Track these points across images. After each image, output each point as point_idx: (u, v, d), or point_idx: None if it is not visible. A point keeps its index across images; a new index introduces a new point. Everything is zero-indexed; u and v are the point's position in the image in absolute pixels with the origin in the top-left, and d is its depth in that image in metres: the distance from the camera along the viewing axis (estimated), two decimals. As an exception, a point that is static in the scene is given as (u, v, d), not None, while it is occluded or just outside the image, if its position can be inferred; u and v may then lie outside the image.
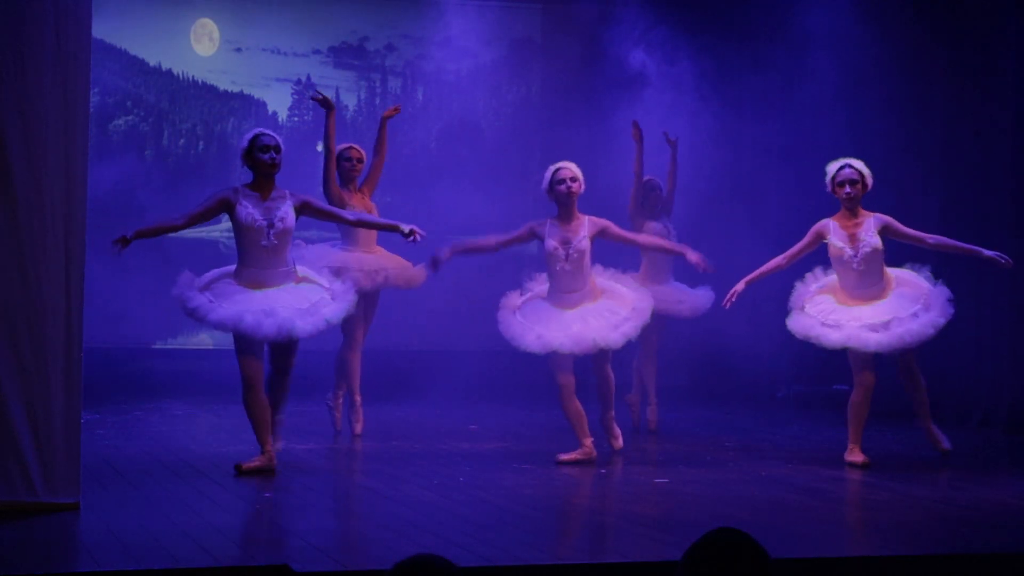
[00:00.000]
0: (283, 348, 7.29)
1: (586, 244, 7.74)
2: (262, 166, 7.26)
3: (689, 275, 9.26)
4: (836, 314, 7.75)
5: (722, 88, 11.27)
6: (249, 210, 7.20)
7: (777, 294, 8.69)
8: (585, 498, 7.01)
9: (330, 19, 12.89)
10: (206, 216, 7.37)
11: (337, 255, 8.86)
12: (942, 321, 7.70)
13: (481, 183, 12.55)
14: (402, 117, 13.03)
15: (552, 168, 7.88)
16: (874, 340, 7.62)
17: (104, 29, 11.54)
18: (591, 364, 7.92)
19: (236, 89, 12.60)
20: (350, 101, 12.91)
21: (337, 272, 8.63)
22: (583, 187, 7.82)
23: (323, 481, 7.37)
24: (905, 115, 10.46)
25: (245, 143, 7.32)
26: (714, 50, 11.36)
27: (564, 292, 7.78)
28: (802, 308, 7.91)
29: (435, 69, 13.05)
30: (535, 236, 7.88)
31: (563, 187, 7.78)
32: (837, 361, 8.23)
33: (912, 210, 10.22)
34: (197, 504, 6.27)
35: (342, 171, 9.02)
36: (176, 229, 7.38)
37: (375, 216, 8.46)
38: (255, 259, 7.23)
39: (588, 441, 7.79)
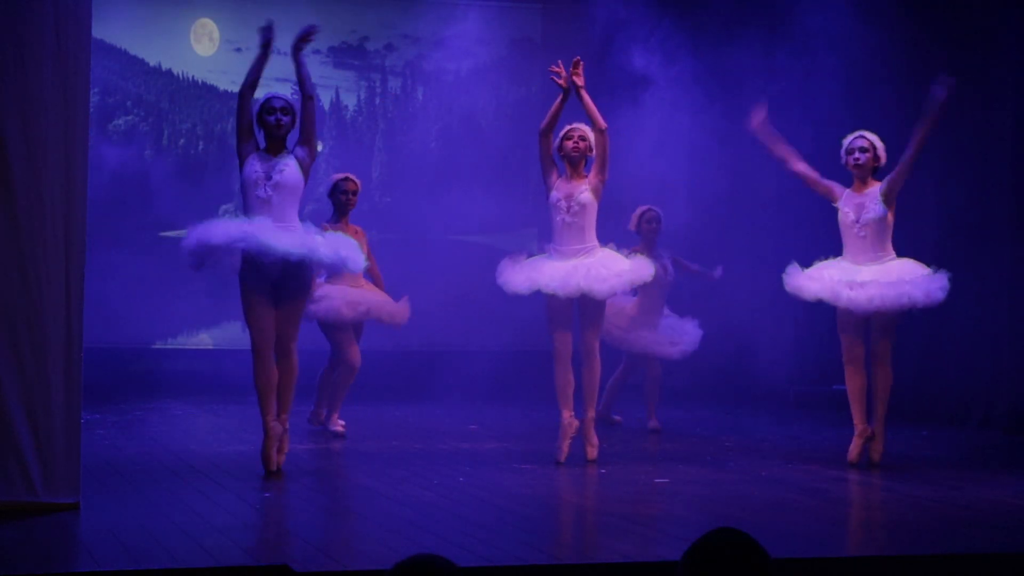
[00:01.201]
0: (284, 320, 7.23)
1: (587, 197, 7.78)
2: (268, 128, 7.30)
3: (679, 305, 9.36)
4: (822, 269, 7.89)
5: (723, 88, 11.26)
6: (253, 163, 7.25)
7: (776, 296, 8.69)
8: (585, 498, 7.01)
9: (330, 19, 12.88)
10: (247, 126, 7.31)
11: (322, 285, 8.85)
12: (920, 298, 7.72)
13: (481, 183, 12.56)
14: (402, 117, 13.08)
15: (565, 127, 7.92)
16: (846, 296, 7.74)
17: (104, 29, 11.54)
18: (580, 337, 7.85)
19: (236, 89, 12.52)
20: (350, 101, 12.92)
21: (318, 300, 8.67)
22: (593, 149, 7.83)
23: (323, 481, 7.37)
24: (905, 116, 10.45)
25: (256, 107, 7.36)
26: (716, 50, 11.36)
27: (563, 245, 7.82)
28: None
29: (435, 69, 13.05)
30: (549, 181, 7.89)
31: (570, 143, 7.85)
32: (837, 361, 8.23)
33: (912, 209, 10.23)
34: (197, 504, 6.27)
35: (337, 203, 8.91)
36: (254, 76, 7.45)
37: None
38: (253, 212, 7.19)
39: (567, 413, 7.78)
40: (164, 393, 10.99)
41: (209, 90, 12.58)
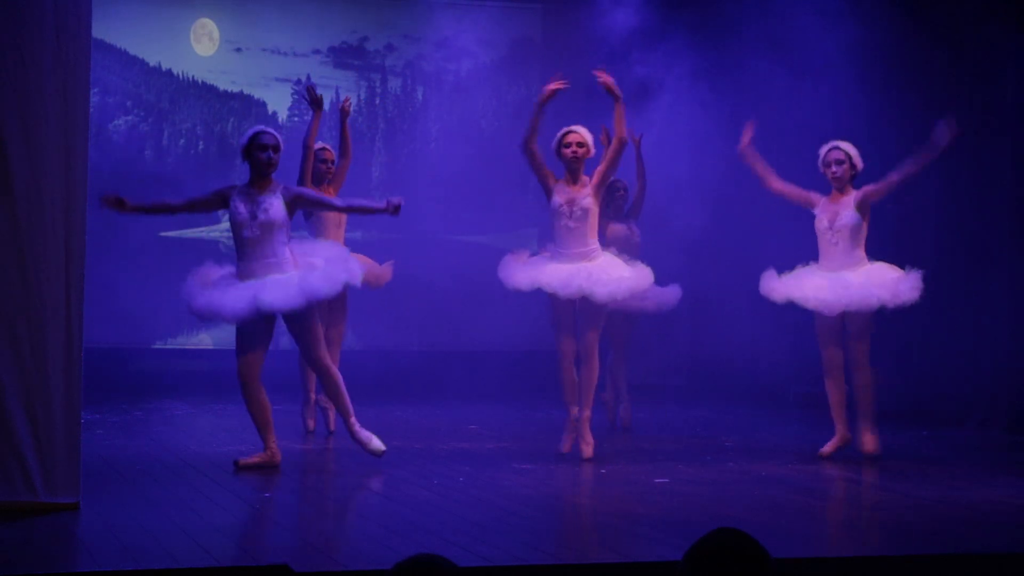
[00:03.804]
0: (300, 339, 7.32)
1: (590, 203, 7.80)
2: (259, 165, 7.36)
3: (659, 273, 9.28)
4: (794, 275, 8.11)
5: (723, 89, 11.26)
6: (237, 204, 7.32)
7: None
8: (585, 498, 7.01)
9: (330, 19, 12.90)
10: (204, 204, 7.51)
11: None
12: (887, 298, 7.88)
13: (481, 183, 12.56)
14: (402, 117, 13.07)
15: (562, 131, 7.92)
16: (813, 297, 7.96)
17: (104, 29, 11.54)
18: (578, 337, 7.86)
19: (236, 89, 12.60)
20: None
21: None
22: (591, 152, 7.88)
23: (323, 481, 7.37)
24: (907, 115, 10.46)
25: (245, 140, 7.43)
26: (716, 51, 11.36)
27: (565, 248, 7.84)
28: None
29: (435, 69, 13.06)
30: (547, 188, 7.91)
31: (568, 151, 7.87)
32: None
33: (912, 209, 10.23)
34: (197, 504, 6.27)
35: (316, 172, 9.01)
36: (174, 210, 7.60)
37: (360, 201, 8.33)
38: (243, 251, 7.36)
39: (574, 410, 7.85)
40: (164, 393, 10.99)
41: (209, 90, 12.58)
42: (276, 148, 7.38)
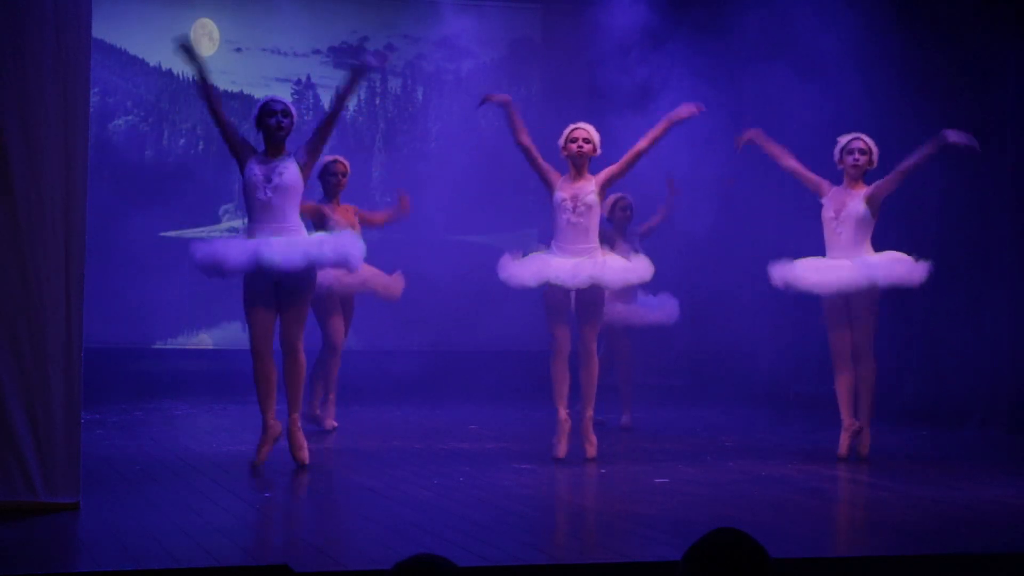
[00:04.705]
0: (286, 317, 7.29)
1: (593, 199, 7.80)
2: (269, 130, 7.35)
3: (659, 274, 9.33)
4: (798, 262, 8.10)
5: (723, 89, 11.26)
6: (253, 166, 7.31)
7: (776, 296, 8.71)
8: (585, 498, 7.01)
9: (330, 19, 12.90)
10: (230, 134, 7.35)
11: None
12: (881, 278, 7.86)
13: (481, 183, 12.56)
14: (402, 117, 13.07)
15: (570, 127, 7.91)
16: (812, 279, 7.97)
17: (104, 29, 11.54)
18: (578, 334, 7.86)
19: (236, 89, 12.60)
20: (350, 101, 12.88)
21: None
22: (597, 150, 7.87)
23: (323, 481, 7.37)
24: (907, 115, 10.46)
25: (256, 110, 7.43)
26: (716, 51, 11.35)
27: (568, 245, 7.82)
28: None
29: (435, 69, 13.06)
30: (549, 182, 7.89)
31: (574, 146, 7.85)
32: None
33: (912, 207, 10.23)
34: (197, 504, 6.27)
35: (326, 185, 9.01)
36: (209, 94, 7.29)
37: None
38: (255, 214, 7.31)
39: (563, 412, 7.81)
40: (164, 393, 10.99)
41: (209, 90, 12.57)
42: (285, 113, 7.37)
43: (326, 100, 12.86)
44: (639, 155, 7.85)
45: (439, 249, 12.64)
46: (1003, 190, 9.72)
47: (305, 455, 7.38)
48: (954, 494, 6.93)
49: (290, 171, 7.30)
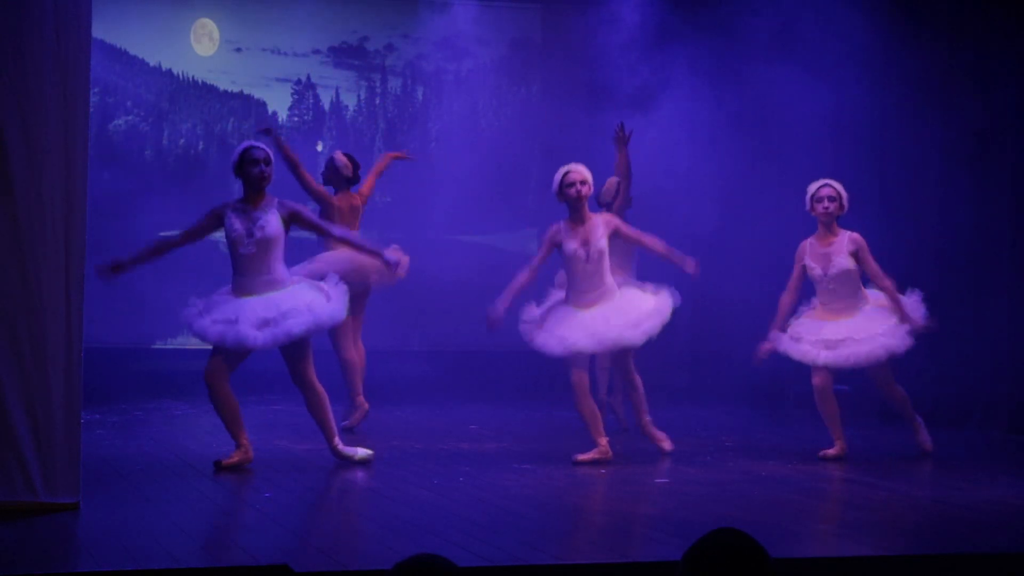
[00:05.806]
0: (289, 358, 7.32)
1: (604, 244, 7.80)
2: (251, 179, 7.32)
3: (655, 272, 9.31)
4: (802, 327, 8.18)
5: (722, 89, 11.26)
6: (233, 220, 7.28)
7: (775, 295, 8.70)
8: (585, 498, 7.01)
9: (330, 19, 12.90)
10: (202, 231, 7.43)
11: (324, 257, 8.93)
12: (894, 346, 8.01)
13: (481, 183, 12.55)
14: (402, 117, 13.07)
15: (561, 172, 7.87)
16: (823, 357, 8.07)
17: (104, 29, 11.54)
18: (613, 365, 8.13)
19: (236, 89, 12.61)
20: (350, 101, 12.91)
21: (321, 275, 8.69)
22: (592, 188, 7.88)
23: (323, 481, 7.37)
24: (908, 115, 10.46)
25: (236, 156, 7.41)
26: (716, 51, 11.35)
27: (584, 292, 7.84)
28: (786, 329, 8.27)
29: (435, 69, 13.06)
30: (556, 245, 7.89)
31: (573, 191, 7.81)
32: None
33: (913, 209, 10.23)
34: (197, 504, 6.27)
35: (337, 181, 9.27)
36: (174, 246, 7.44)
37: (359, 238, 8.30)
38: (239, 267, 7.33)
39: (603, 441, 7.83)
40: (164, 393, 10.99)
41: (209, 90, 12.58)
42: (267, 161, 7.33)
43: (326, 100, 12.89)
44: (644, 246, 7.98)
45: (439, 249, 12.63)
46: (1003, 191, 9.72)
47: (362, 453, 7.54)
48: (954, 494, 6.93)
49: (272, 223, 7.27)
